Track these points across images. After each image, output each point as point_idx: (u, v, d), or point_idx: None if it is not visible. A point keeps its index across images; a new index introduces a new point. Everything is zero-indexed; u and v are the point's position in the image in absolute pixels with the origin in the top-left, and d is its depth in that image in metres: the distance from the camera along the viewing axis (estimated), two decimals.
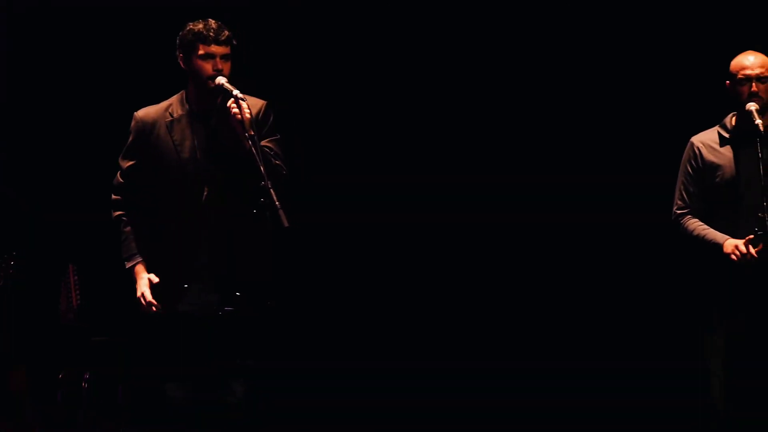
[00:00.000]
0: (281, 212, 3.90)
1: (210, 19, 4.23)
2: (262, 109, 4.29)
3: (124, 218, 4.32)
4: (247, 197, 4.10)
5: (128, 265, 4.31)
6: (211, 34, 4.17)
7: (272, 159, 4.17)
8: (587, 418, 5.95)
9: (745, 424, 4.69)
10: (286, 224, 3.90)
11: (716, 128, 4.74)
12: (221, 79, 4.14)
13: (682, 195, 4.73)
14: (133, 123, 4.34)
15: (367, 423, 6.08)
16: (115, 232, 4.35)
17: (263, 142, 4.15)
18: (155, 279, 4.24)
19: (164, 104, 4.35)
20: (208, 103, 4.28)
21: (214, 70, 4.17)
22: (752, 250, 4.43)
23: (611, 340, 6.08)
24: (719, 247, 4.53)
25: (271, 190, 3.92)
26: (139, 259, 4.29)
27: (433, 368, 6.09)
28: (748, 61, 4.59)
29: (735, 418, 4.67)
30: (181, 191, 4.25)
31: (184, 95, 4.34)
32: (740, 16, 5.85)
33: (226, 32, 4.22)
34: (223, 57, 4.20)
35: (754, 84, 4.53)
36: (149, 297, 4.22)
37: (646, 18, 6.10)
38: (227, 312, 4.20)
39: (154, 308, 4.22)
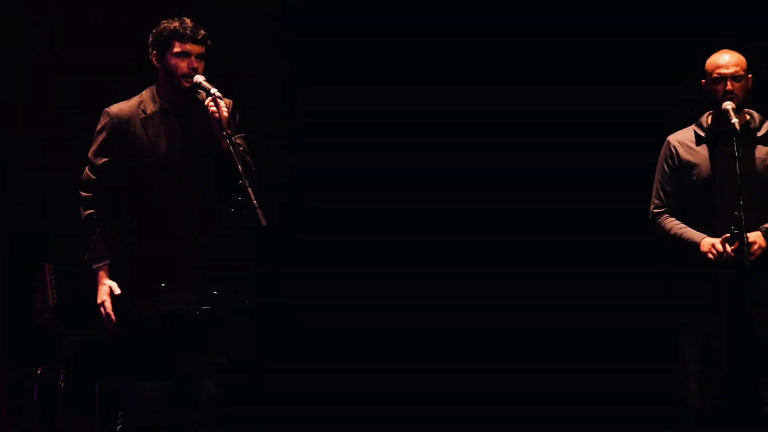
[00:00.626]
0: (259, 211, 3.91)
1: (185, 18, 4.23)
2: (230, 107, 4.28)
3: (95, 217, 4.23)
4: (225, 196, 4.10)
5: (95, 266, 4.22)
6: (188, 32, 4.17)
7: (245, 156, 4.17)
8: (566, 415, 5.96)
9: (721, 422, 4.71)
10: (264, 223, 3.90)
11: (692, 127, 4.76)
12: (199, 78, 4.14)
13: (658, 194, 4.75)
14: (106, 119, 4.29)
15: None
16: (84, 231, 4.26)
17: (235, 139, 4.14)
18: (117, 290, 4.17)
19: (135, 100, 4.32)
20: (179, 101, 4.28)
21: (189, 69, 4.16)
22: (729, 249, 4.45)
23: (588, 340, 6.08)
24: (696, 246, 4.55)
25: (249, 189, 3.93)
26: (106, 262, 4.21)
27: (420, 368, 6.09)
28: (723, 60, 4.61)
29: (711, 417, 4.69)
30: (158, 188, 4.23)
31: (154, 92, 4.32)
32: (715, 16, 5.86)
33: (203, 31, 4.21)
34: (199, 56, 4.19)
35: (729, 83, 4.55)
36: (109, 308, 4.17)
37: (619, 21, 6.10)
38: (204, 311, 4.19)
39: (110, 323, 4.18)
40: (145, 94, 4.32)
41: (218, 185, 4.19)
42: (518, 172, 6.18)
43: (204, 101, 4.12)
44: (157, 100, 4.29)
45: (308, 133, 6.23)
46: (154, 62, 4.26)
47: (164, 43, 4.21)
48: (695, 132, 4.73)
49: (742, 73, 4.58)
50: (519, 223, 6.21)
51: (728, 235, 4.44)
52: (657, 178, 4.78)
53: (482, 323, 6.20)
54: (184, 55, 4.17)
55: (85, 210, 4.25)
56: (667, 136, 4.81)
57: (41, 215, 6.00)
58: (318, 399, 5.99)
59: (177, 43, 4.17)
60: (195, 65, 4.17)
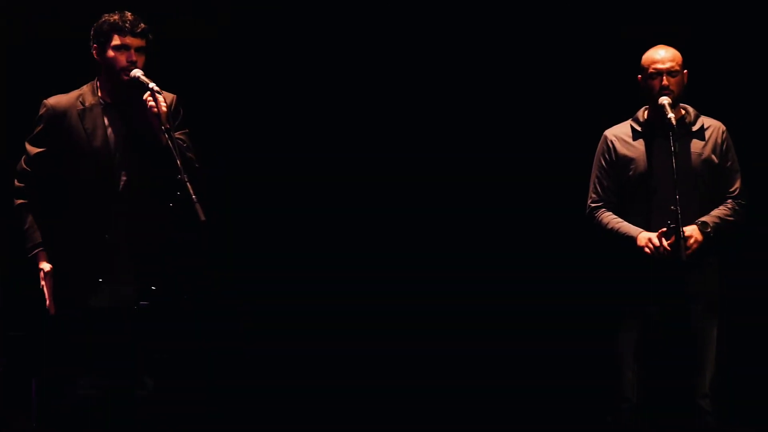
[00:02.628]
0: (197, 206, 3.90)
1: (126, 11, 4.21)
2: (174, 101, 4.28)
3: (27, 206, 4.24)
4: (163, 190, 4.09)
5: (29, 255, 4.24)
6: (127, 25, 4.15)
7: (186, 152, 4.16)
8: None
9: (658, 416, 4.77)
10: (202, 218, 3.89)
11: (629, 122, 4.80)
12: (137, 72, 4.12)
13: (596, 188, 4.79)
14: (43, 110, 4.28)
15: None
16: (17, 220, 4.28)
17: (176, 135, 4.13)
18: (47, 267, 4.20)
19: (75, 93, 4.30)
20: (120, 95, 4.25)
21: (128, 62, 4.15)
22: (665, 243, 4.50)
23: (528, 333, 6.09)
24: (633, 240, 4.60)
25: (188, 184, 3.92)
26: (40, 249, 4.23)
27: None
28: (659, 56, 4.66)
29: (648, 411, 4.74)
30: (94, 181, 4.20)
31: (95, 85, 4.30)
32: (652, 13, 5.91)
33: (142, 25, 4.20)
34: (138, 49, 4.17)
35: (665, 78, 4.60)
36: (46, 293, 4.20)
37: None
38: (142, 306, 4.18)
39: (51, 306, 4.21)
40: (86, 87, 4.31)
41: (158, 180, 4.17)
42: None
43: (143, 96, 4.10)
44: (98, 93, 4.27)
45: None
46: (95, 55, 4.25)
47: (104, 36, 4.19)
48: (632, 127, 4.77)
49: (677, 68, 4.63)
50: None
51: (665, 229, 4.49)
52: (594, 172, 4.82)
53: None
54: (123, 48, 4.15)
55: (18, 200, 4.27)
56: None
57: None
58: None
59: (116, 36, 4.16)
60: (134, 58, 4.15)
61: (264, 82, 6.08)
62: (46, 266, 4.21)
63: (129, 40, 4.16)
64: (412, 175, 6.17)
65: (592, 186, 4.81)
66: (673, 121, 4.53)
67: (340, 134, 6.16)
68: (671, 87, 4.60)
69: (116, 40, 4.16)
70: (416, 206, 6.19)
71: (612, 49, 5.82)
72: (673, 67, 4.61)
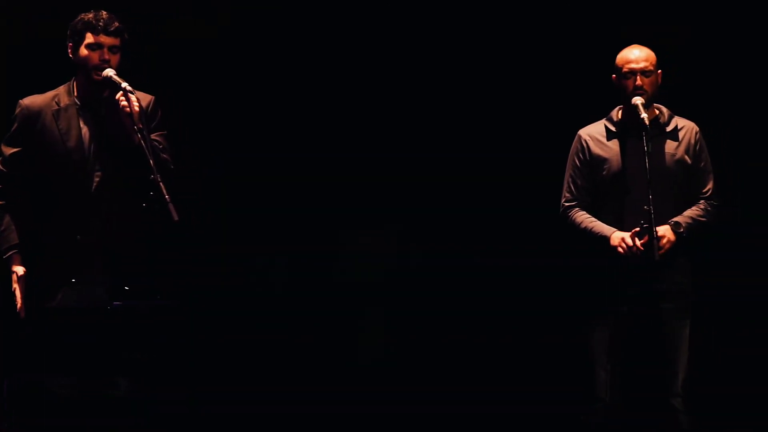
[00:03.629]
0: (171, 206, 3.89)
1: (102, 11, 4.20)
2: (151, 103, 4.27)
3: (3, 207, 4.23)
4: (137, 190, 4.07)
5: (4, 256, 4.23)
6: (101, 24, 4.14)
7: (161, 153, 4.15)
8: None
9: (631, 415, 4.78)
10: (175, 218, 3.88)
11: (603, 121, 4.82)
12: (109, 71, 4.11)
13: (570, 188, 4.80)
14: (18, 110, 4.27)
15: None
16: None
17: (152, 136, 4.12)
18: (20, 272, 4.18)
19: (50, 94, 4.28)
20: (95, 94, 4.23)
21: (100, 60, 4.13)
22: (638, 243, 4.51)
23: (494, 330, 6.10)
24: (606, 239, 4.61)
25: (161, 184, 3.90)
26: (16, 251, 4.21)
27: None
28: (633, 55, 4.67)
29: (621, 410, 4.75)
30: (68, 181, 4.18)
31: (71, 85, 4.28)
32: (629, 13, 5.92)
33: (117, 23, 4.18)
34: (112, 48, 4.16)
35: (638, 77, 4.62)
36: (17, 296, 4.18)
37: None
38: (117, 306, 4.16)
39: (21, 310, 4.19)
40: (62, 88, 4.30)
41: (131, 180, 4.16)
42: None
43: (116, 95, 4.09)
44: (74, 93, 4.26)
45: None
46: (70, 55, 4.23)
47: (78, 35, 4.18)
48: (606, 126, 4.79)
49: (651, 68, 4.65)
50: None
51: (638, 229, 4.50)
52: (568, 171, 4.83)
53: None
54: (96, 46, 4.14)
55: None
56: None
57: None
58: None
59: (89, 35, 4.15)
60: (107, 57, 4.14)
61: (263, 82, 6.05)
62: (19, 270, 4.19)
63: (102, 38, 4.14)
64: (401, 175, 6.17)
65: (566, 185, 4.82)
66: (647, 121, 4.54)
67: (338, 134, 6.16)
68: (645, 87, 4.61)
69: (89, 38, 4.15)
70: (404, 206, 6.19)
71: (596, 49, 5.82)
72: (647, 67, 4.63)
